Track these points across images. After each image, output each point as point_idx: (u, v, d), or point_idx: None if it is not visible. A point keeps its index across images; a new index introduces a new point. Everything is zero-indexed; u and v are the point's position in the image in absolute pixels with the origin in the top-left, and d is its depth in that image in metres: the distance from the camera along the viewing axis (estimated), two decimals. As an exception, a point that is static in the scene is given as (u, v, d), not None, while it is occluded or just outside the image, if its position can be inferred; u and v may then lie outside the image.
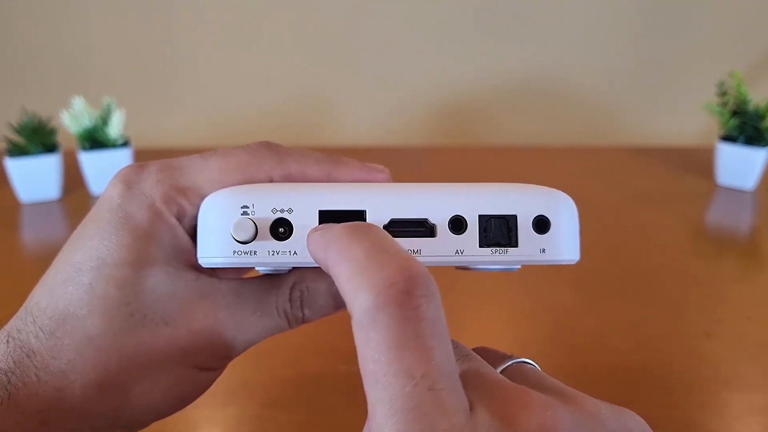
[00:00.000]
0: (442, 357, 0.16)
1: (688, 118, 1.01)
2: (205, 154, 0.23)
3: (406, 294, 0.15)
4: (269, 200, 0.21)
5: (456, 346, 0.20)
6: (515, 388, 0.17)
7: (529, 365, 0.22)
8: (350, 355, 0.51)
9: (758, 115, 0.76)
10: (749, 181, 0.78)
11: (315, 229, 0.19)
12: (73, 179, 0.79)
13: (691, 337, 0.48)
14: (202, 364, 0.22)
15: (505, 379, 0.19)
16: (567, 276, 0.57)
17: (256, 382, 0.42)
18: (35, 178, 0.75)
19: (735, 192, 0.78)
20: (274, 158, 0.23)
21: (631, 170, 0.87)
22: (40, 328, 0.21)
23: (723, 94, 0.79)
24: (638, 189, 0.80)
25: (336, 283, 0.17)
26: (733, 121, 0.78)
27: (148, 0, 0.97)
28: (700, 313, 0.51)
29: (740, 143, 0.78)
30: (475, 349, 0.22)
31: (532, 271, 0.58)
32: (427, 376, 0.15)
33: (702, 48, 0.99)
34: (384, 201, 0.22)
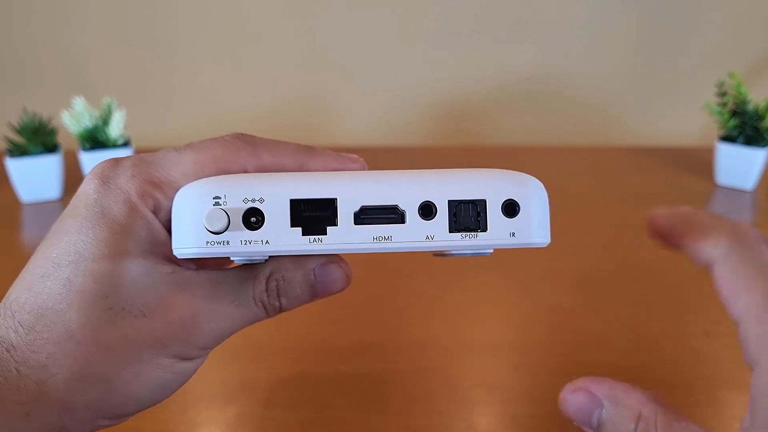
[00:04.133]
0: None
1: (688, 118, 1.01)
2: (179, 148, 0.23)
3: None
4: (241, 190, 0.22)
5: None
6: None
7: None
8: (350, 355, 0.51)
9: (758, 115, 0.76)
10: (749, 181, 0.78)
11: None
12: (73, 179, 0.79)
13: (691, 337, 0.48)
14: (182, 354, 0.23)
15: None
16: (567, 276, 0.57)
17: (257, 382, 0.43)
18: (36, 178, 0.75)
19: (734, 192, 0.79)
20: (248, 150, 0.24)
21: (631, 170, 0.87)
22: (19, 323, 0.21)
23: (722, 94, 0.79)
24: (638, 189, 0.80)
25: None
26: (733, 121, 0.78)
27: (148, 0, 0.97)
28: (700, 313, 0.52)
29: (740, 143, 0.78)
30: None
31: (531, 271, 0.58)
32: None
33: (701, 48, 0.99)
34: (354, 188, 0.22)
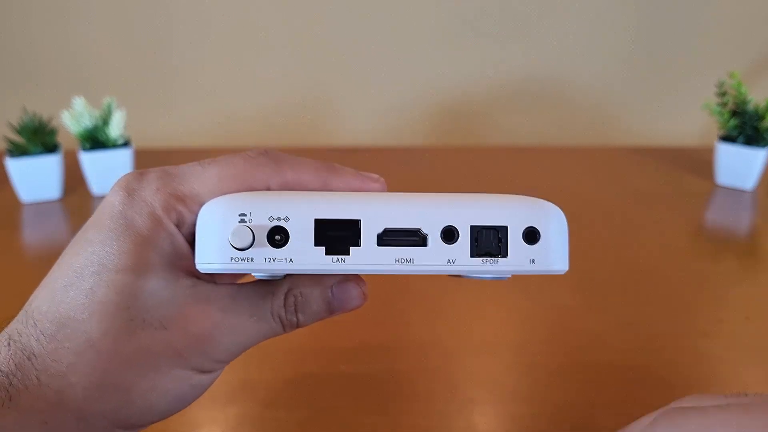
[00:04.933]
0: None
1: (688, 118, 1.01)
2: (203, 162, 0.24)
3: None
4: (266, 208, 0.22)
5: None
6: None
7: None
8: (351, 355, 0.51)
9: (758, 115, 0.76)
10: (749, 181, 0.78)
11: None
12: (73, 179, 0.79)
13: (691, 337, 0.48)
14: (200, 366, 0.23)
15: None
16: (567, 276, 0.57)
17: (258, 382, 0.43)
18: (36, 178, 0.75)
19: (734, 192, 0.79)
20: (271, 166, 0.24)
21: (630, 170, 0.87)
22: (41, 331, 0.21)
23: (722, 94, 0.79)
24: (638, 189, 0.80)
25: None
26: (733, 121, 0.78)
27: (148, 0, 0.97)
28: (699, 313, 0.52)
29: (740, 143, 0.78)
30: None
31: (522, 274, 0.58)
32: None
33: (701, 48, 0.99)
34: (378, 211, 0.22)
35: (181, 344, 0.22)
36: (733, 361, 0.45)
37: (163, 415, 0.23)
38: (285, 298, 0.24)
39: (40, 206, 0.75)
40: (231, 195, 0.23)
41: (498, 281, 0.25)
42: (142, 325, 0.22)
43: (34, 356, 0.21)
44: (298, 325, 0.25)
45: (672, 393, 0.42)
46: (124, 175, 0.23)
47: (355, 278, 0.25)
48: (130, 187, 0.23)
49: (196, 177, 0.23)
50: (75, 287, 0.21)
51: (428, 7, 0.98)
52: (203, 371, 0.23)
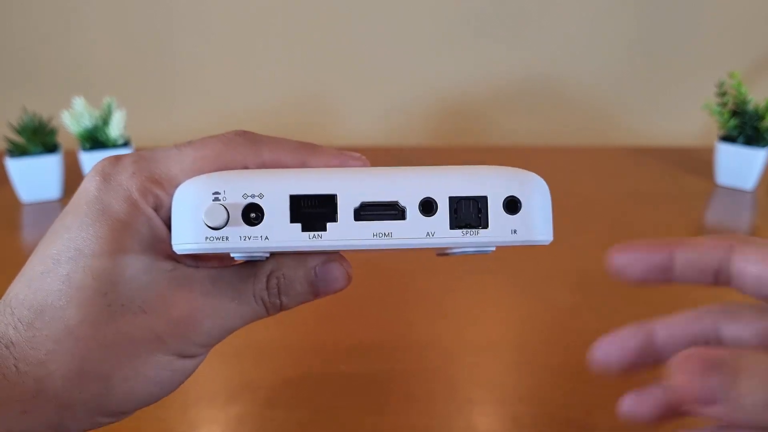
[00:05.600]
0: None
1: (688, 118, 1.01)
2: (179, 145, 0.23)
3: None
4: (240, 186, 0.22)
5: None
6: None
7: None
8: (351, 355, 0.51)
9: (758, 115, 0.76)
10: (749, 181, 0.78)
11: None
12: (73, 179, 0.79)
13: (691, 337, 0.48)
14: (181, 351, 0.23)
15: None
16: (567, 276, 0.57)
17: (258, 382, 0.43)
18: (36, 178, 0.75)
19: (735, 192, 0.79)
20: (249, 146, 0.23)
21: (630, 170, 0.87)
22: (18, 319, 0.21)
23: (722, 94, 0.79)
24: (638, 189, 0.80)
25: None
26: (733, 121, 0.78)
27: (148, 0, 0.97)
28: (699, 313, 0.52)
29: (740, 143, 0.78)
30: None
31: (531, 271, 0.58)
32: None
33: (701, 48, 0.99)
34: (354, 185, 0.22)
35: (161, 329, 0.22)
36: (733, 361, 0.45)
37: (145, 402, 0.23)
38: (267, 280, 0.24)
39: (40, 206, 0.75)
40: (205, 174, 0.22)
41: (482, 255, 0.24)
42: (121, 311, 0.21)
43: (12, 344, 0.21)
44: (281, 308, 0.24)
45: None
46: (100, 161, 0.23)
47: (339, 258, 0.24)
48: (105, 171, 0.22)
49: (172, 159, 0.23)
50: (52, 274, 0.21)
51: (428, 7, 0.98)
52: (185, 356, 0.23)
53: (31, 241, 0.69)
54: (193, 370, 0.24)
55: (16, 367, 0.20)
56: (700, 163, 0.87)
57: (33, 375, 0.20)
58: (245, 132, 0.24)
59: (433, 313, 0.51)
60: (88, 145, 0.76)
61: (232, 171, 0.23)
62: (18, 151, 0.74)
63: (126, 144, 0.78)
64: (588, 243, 0.64)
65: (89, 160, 0.75)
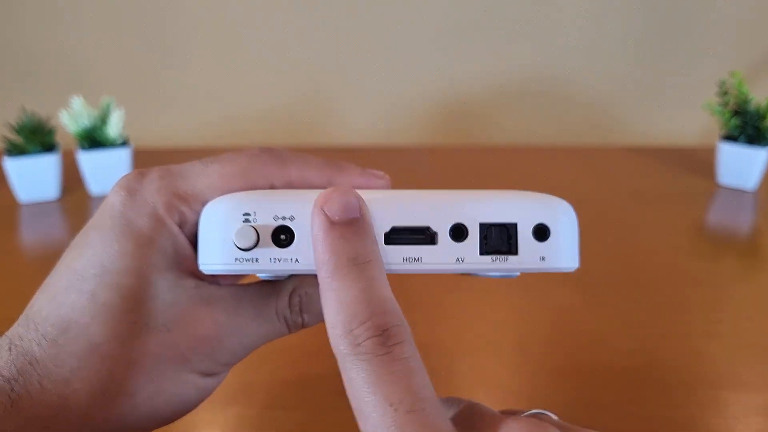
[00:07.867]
0: (417, 384, 0.17)
1: (689, 118, 1.01)
2: (205, 160, 0.23)
3: (381, 345, 0.18)
4: (271, 207, 0.21)
5: (454, 398, 0.23)
6: (510, 417, 0.18)
7: (545, 415, 0.23)
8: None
9: (759, 115, 0.76)
10: (750, 181, 0.78)
11: (322, 224, 0.20)
12: (72, 179, 0.79)
13: (691, 337, 0.48)
14: (204, 369, 0.23)
15: (503, 415, 0.20)
16: (567, 276, 0.57)
17: (257, 384, 0.42)
18: (34, 177, 0.75)
19: (736, 192, 0.78)
20: (275, 164, 0.23)
21: (631, 170, 0.87)
22: (42, 335, 0.21)
23: (724, 93, 0.79)
24: (638, 189, 0.80)
25: (323, 311, 0.19)
26: (734, 121, 0.78)
27: (147, 0, 0.97)
28: (700, 313, 0.51)
29: (741, 143, 0.77)
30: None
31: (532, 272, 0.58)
32: (404, 401, 0.17)
33: (702, 47, 0.99)
34: (385, 209, 0.22)
35: (185, 347, 0.22)
36: (733, 361, 0.45)
37: (167, 420, 0.23)
38: (290, 298, 0.24)
39: (38, 206, 0.75)
40: (234, 194, 0.22)
41: (506, 279, 0.24)
42: (146, 329, 0.21)
43: (36, 361, 0.20)
44: (303, 326, 0.24)
45: (672, 393, 0.41)
46: (125, 175, 0.23)
47: None
48: (130, 186, 0.22)
49: (197, 175, 0.22)
50: (76, 290, 0.21)
51: (428, 7, 0.98)
52: (208, 374, 0.23)
53: (29, 242, 0.68)
54: (215, 388, 0.24)
55: (40, 384, 0.20)
56: (701, 163, 0.86)
57: (57, 392, 0.20)
58: (271, 149, 0.24)
59: (433, 313, 0.51)
60: (86, 145, 0.76)
61: (261, 191, 0.22)
62: (16, 150, 0.74)
63: (124, 144, 0.78)
64: (588, 243, 0.63)
65: (87, 160, 0.75)
